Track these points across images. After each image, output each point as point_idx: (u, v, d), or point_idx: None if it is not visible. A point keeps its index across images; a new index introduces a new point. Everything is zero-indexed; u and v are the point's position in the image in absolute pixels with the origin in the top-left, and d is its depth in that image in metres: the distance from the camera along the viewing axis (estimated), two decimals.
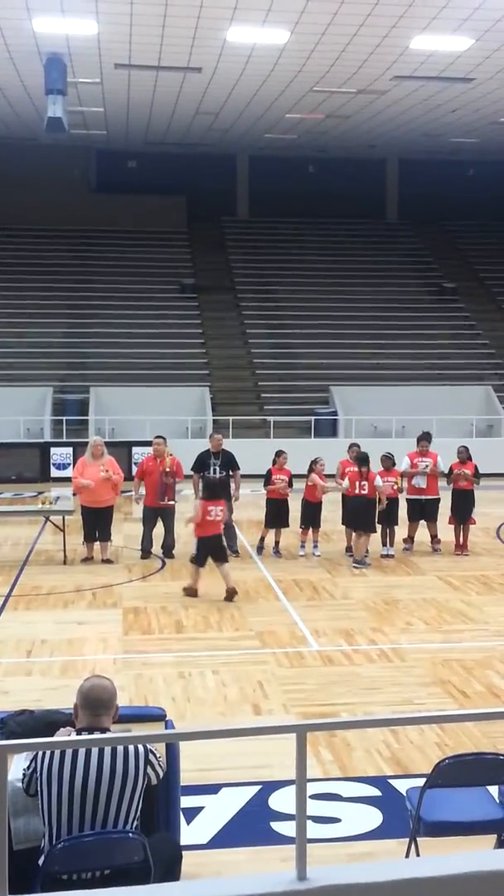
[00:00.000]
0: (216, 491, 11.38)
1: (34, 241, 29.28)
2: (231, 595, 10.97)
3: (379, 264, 29.91)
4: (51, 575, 12.49)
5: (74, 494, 13.56)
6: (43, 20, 17.10)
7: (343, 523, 13.72)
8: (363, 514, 12.99)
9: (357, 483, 12.92)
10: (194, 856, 5.19)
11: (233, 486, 13.31)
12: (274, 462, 13.60)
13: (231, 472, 13.35)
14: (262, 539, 13.71)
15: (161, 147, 28.97)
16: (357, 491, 12.92)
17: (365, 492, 12.90)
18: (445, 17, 16.91)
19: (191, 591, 11.21)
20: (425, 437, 13.95)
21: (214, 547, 11.10)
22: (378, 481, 13.01)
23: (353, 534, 13.28)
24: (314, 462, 13.51)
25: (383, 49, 18.86)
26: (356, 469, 12.99)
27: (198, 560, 11.15)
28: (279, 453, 13.62)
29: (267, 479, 13.54)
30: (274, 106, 23.68)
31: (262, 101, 23.14)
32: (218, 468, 13.28)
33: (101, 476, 12.80)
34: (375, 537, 13.55)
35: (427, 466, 13.59)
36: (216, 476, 13.18)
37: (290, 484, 13.46)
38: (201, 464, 13.36)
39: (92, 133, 27.21)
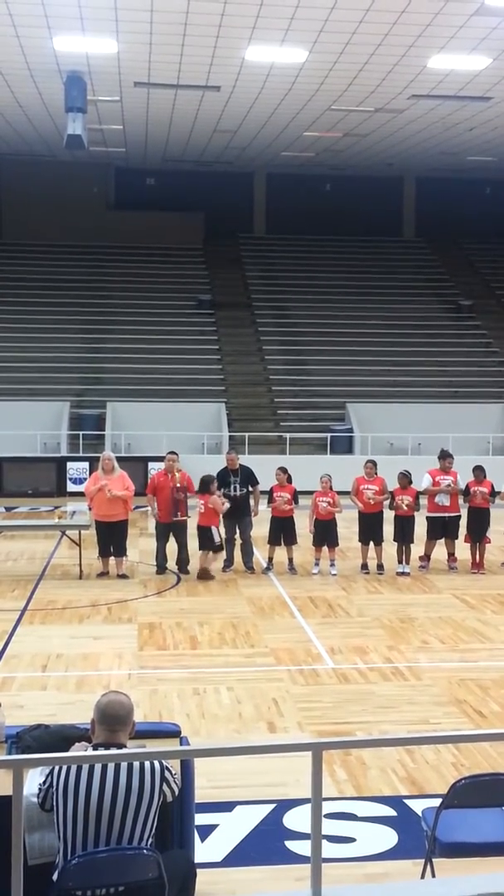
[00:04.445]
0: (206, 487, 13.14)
1: (52, 257, 29.48)
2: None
3: (395, 282, 29.92)
4: (66, 589, 12.51)
5: (89, 508, 13.61)
6: (64, 39, 17.27)
7: (359, 539, 13.71)
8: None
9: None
10: (208, 874, 5.17)
11: (252, 502, 13.39)
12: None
13: (251, 489, 13.44)
14: (270, 559, 13.71)
15: (179, 164, 29.15)
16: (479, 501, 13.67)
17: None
18: (463, 36, 16.97)
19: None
20: (448, 456, 13.90)
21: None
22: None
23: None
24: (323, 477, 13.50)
25: (401, 68, 18.94)
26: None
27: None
28: (280, 470, 13.63)
29: (270, 496, 13.57)
30: (291, 124, 23.79)
31: (279, 119, 23.25)
32: (238, 485, 13.36)
33: (108, 496, 12.92)
34: (391, 555, 13.53)
35: (449, 484, 13.55)
36: (237, 493, 13.28)
37: (294, 500, 13.46)
38: (221, 482, 13.46)
39: (111, 150, 27.42)
